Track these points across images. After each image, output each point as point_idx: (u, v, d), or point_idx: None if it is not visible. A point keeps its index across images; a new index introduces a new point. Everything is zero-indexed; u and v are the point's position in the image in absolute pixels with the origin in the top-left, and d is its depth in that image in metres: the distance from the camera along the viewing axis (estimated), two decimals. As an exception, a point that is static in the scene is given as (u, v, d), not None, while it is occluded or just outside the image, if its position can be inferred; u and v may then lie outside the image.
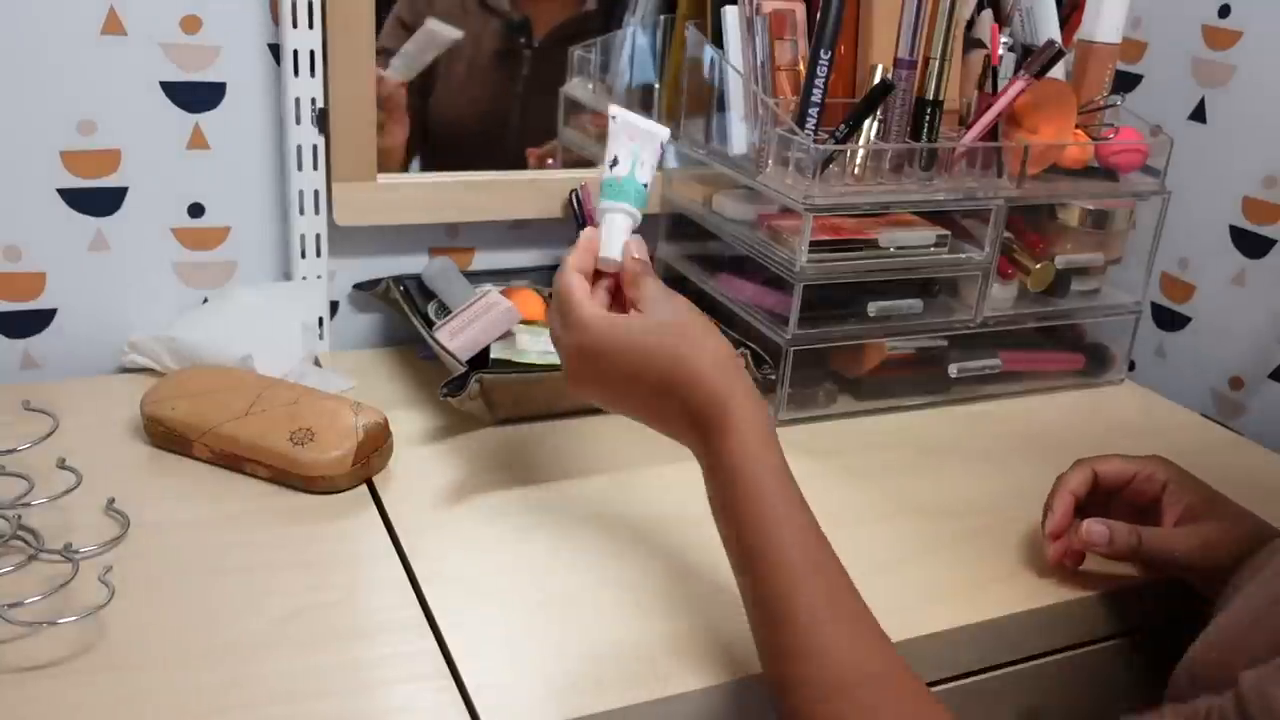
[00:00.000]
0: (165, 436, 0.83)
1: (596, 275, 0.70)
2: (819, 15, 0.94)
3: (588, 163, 1.13)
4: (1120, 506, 0.77)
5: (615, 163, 0.71)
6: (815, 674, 0.56)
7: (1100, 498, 0.77)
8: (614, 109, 0.71)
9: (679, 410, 0.63)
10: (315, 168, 0.97)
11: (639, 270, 0.68)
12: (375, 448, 0.82)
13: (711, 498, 0.63)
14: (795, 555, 0.58)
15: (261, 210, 0.99)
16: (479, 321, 0.91)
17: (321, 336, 1.04)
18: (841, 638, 0.57)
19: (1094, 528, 0.73)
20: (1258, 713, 0.50)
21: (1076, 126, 1.03)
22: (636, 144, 0.71)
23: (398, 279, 1.02)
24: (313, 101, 0.95)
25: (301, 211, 0.98)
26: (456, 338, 0.90)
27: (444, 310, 0.98)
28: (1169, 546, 0.73)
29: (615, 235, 0.70)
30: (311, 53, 0.93)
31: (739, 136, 0.99)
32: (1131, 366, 1.18)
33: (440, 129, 1.04)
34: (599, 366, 0.66)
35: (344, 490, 0.80)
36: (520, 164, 1.08)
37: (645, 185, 0.71)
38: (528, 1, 1.04)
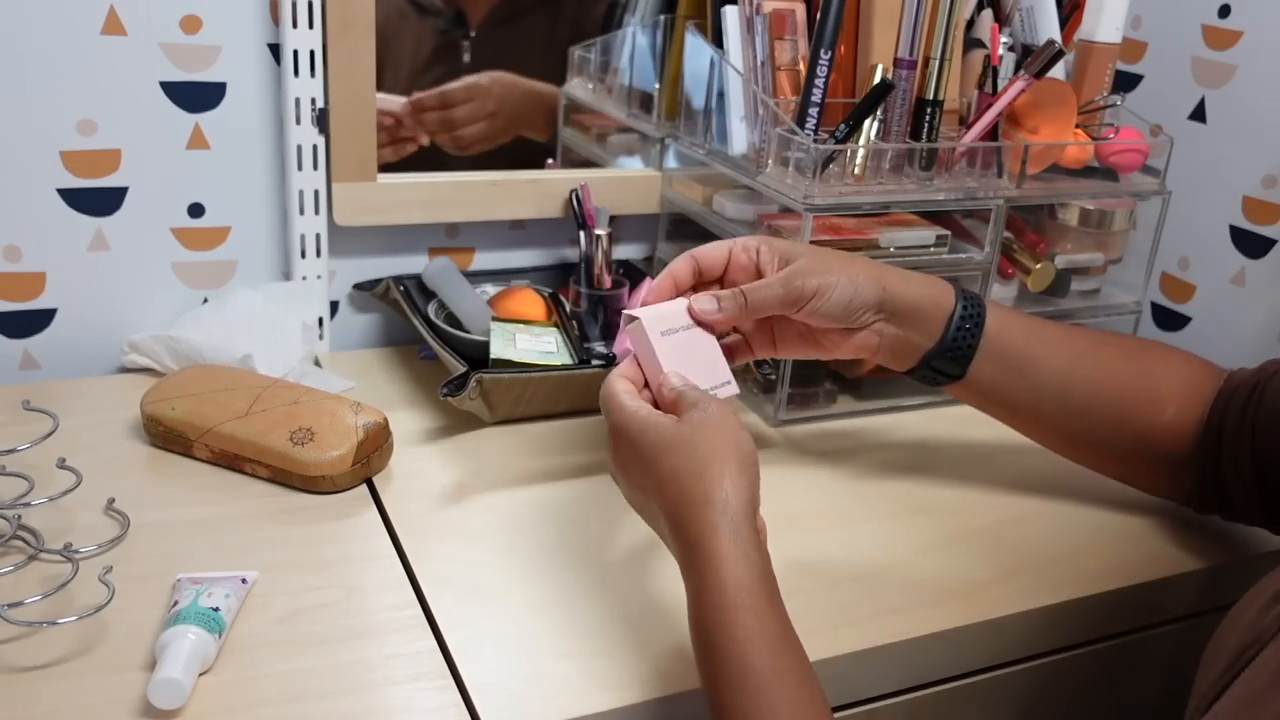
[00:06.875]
0: (165, 436, 0.83)
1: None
2: (819, 15, 0.94)
3: (587, 163, 1.13)
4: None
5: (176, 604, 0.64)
6: None
7: (712, 286, 0.75)
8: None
9: (673, 510, 0.61)
10: (315, 168, 0.97)
11: (674, 399, 0.65)
12: (375, 448, 0.82)
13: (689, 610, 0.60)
14: (762, 665, 0.56)
15: (261, 210, 0.99)
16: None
17: (321, 336, 1.04)
18: None
19: (701, 303, 0.71)
20: None
21: (1076, 126, 1.03)
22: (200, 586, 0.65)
23: (398, 279, 1.02)
24: (313, 101, 0.95)
25: (301, 211, 0.98)
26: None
27: (444, 310, 0.98)
28: (770, 292, 0.72)
29: (179, 654, 0.59)
30: (311, 53, 0.93)
31: (739, 136, 0.99)
32: (1131, 366, 1.18)
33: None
34: (627, 455, 0.65)
35: (344, 490, 0.80)
36: (504, 163, 1.07)
37: (217, 609, 0.64)
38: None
